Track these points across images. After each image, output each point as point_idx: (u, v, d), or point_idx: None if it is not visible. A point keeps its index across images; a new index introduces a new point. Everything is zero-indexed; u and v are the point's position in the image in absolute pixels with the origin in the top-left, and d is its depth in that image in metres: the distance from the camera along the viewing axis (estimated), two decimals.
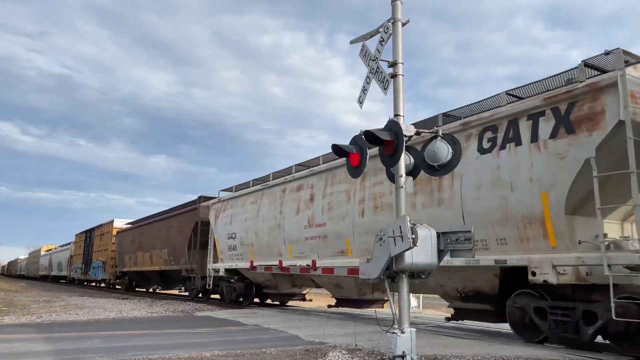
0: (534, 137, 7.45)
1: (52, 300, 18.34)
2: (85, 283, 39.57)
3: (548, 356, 6.14)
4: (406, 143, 6.01)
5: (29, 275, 64.23)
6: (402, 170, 6.02)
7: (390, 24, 6.39)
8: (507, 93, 8.34)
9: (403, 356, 5.50)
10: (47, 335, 8.14)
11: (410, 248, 5.49)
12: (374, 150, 7.20)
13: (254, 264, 14.59)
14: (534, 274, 7.22)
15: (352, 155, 6.34)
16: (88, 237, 35.88)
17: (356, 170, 6.41)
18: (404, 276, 5.81)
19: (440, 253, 5.87)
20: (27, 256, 74.85)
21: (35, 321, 10.89)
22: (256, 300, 16.88)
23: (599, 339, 7.19)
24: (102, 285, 33.60)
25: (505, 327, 10.24)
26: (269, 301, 17.15)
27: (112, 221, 30.46)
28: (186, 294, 22.53)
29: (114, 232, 29.98)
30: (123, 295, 23.51)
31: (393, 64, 6.29)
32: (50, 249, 54.35)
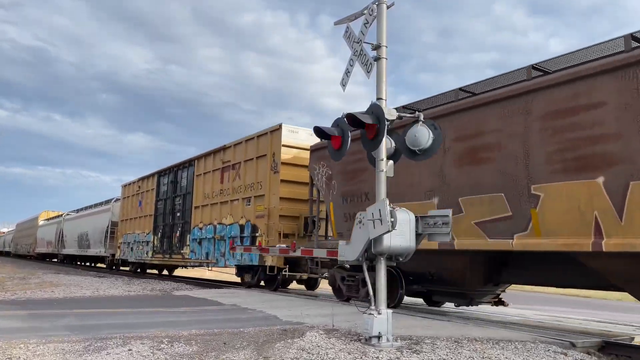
0: None
1: (27, 277, 18.10)
2: (165, 273, 21.66)
3: (518, 337, 6.32)
4: (388, 127, 6.04)
5: (18, 253, 49.07)
6: (384, 154, 6.05)
7: (375, 6, 6.35)
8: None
9: (379, 337, 5.61)
10: (21, 312, 8.05)
11: (388, 231, 5.56)
12: None
13: None
14: None
15: (334, 137, 6.34)
16: (170, 181, 18.26)
17: (338, 152, 6.41)
18: (381, 259, 5.89)
19: (418, 236, 5.96)
20: (14, 228, 57.72)
21: (9, 298, 10.74)
22: None
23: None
24: (252, 282, 13.99)
25: (478, 309, 10.76)
26: None
27: (279, 129, 13.27)
28: None
29: (290, 155, 13.29)
30: (100, 273, 23.17)
31: (377, 47, 6.27)
32: (57, 216, 37.69)
